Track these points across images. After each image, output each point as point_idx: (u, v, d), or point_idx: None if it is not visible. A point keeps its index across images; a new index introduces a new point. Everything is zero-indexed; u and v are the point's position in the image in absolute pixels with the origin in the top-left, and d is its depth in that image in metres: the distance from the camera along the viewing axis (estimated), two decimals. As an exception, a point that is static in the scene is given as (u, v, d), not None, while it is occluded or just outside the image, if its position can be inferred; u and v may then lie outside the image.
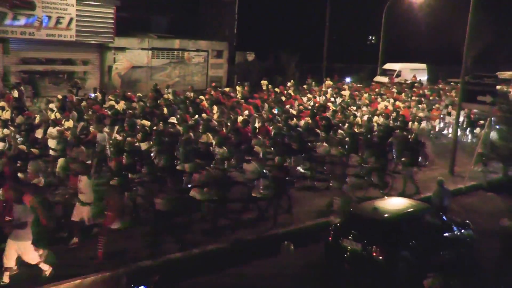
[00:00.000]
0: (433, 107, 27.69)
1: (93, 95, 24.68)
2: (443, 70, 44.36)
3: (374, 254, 10.74)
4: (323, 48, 43.97)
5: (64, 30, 28.90)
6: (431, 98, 30.70)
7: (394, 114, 23.41)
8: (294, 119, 21.03)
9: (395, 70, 43.07)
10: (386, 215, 11.50)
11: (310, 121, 20.29)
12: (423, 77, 44.64)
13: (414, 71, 44.06)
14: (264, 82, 33.99)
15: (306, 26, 47.95)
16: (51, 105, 20.25)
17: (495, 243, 13.56)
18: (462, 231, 12.49)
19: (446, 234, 12.03)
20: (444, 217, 12.36)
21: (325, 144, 17.11)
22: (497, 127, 19.83)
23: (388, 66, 43.79)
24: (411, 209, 12.01)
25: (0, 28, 26.91)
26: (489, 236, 13.84)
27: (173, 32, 38.52)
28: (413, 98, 29.97)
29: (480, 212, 16.09)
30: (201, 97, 25.29)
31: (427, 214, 12.11)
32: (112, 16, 30.65)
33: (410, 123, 21.70)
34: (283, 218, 13.71)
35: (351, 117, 22.33)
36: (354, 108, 25.76)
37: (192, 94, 26.27)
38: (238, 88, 30.56)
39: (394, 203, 12.39)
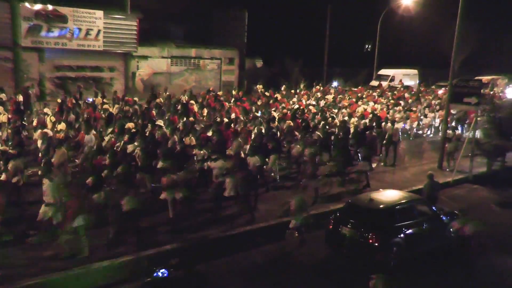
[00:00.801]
0: (412, 109, 27.02)
1: (90, 99, 24.07)
2: (433, 75, 44.08)
3: (370, 240, 10.73)
4: (324, 54, 43.88)
5: (93, 40, 29.04)
6: (410, 101, 29.89)
7: (370, 115, 22.79)
8: (277, 121, 20.26)
9: (389, 76, 42.88)
10: (381, 206, 11.49)
11: (291, 123, 19.54)
12: (415, 81, 44.44)
13: (406, 76, 43.88)
14: (259, 87, 33.22)
15: (308, 34, 47.86)
16: (46, 109, 19.70)
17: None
18: (450, 219, 12.45)
19: (435, 222, 11.96)
20: (433, 207, 12.31)
21: (298, 145, 16.51)
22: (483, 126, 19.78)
23: (382, 71, 43.59)
24: (404, 200, 11.95)
25: (36, 39, 27.09)
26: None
27: (190, 42, 38.62)
28: (391, 101, 29.17)
29: (466, 202, 16.02)
30: (192, 101, 24.39)
31: (418, 205, 12.08)
32: (135, 28, 30.75)
33: (383, 124, 20.80)
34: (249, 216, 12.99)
35: (329, 118, 21.36)
36: (335, 110, 25.07)
37: (185, 98, 25.37)
38: (233, 91, 29.94)
39: (388, 195, 12.33)
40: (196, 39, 39.14)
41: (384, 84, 40.66)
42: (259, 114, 21.92)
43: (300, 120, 20.25)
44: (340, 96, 30.74)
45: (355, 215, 11.40)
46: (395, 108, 26.61)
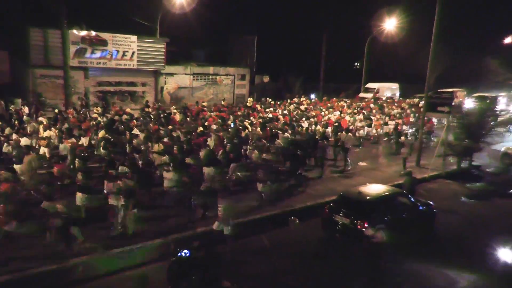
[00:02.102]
0: (370, 117, 25.19)
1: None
2: (411, 88, 43.83)
3: (359, 226, 10.68)
4: (320, 71, 43.79)
5: (128, 60, 29.20)
6: (374, 111, 27.84)
7: (336, 124, 21.64)
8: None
9: (374, 88, 42.71)
10: (368, 197, 11.43)
11: (260, 132, 18.11)
12: (396, 94, 44.25)
13: (389, 89, 43.68)
14: (250, 99, 32.16)
15: (308, 55, 47.72)
16: (40, 118, 18.79)
17: (450, 217, 13.54)
18: (426, 208, 12.38)
19: (413, 211, 11.89)
20: (412, 198, 12.23)
21: (255, 151, 14.80)
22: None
23: (369, 85, 43.40)
24: (387, 193, 11.87)
25: (82, 60, 27.30)
26: (446, 212, 13.76)
27: (208, 61, 38.77)
28: (354, 110, 27.62)
29: (440, 194, 15.91)
30: (174, 110, 23.47)
31: (399, 197, 12.01)
32: (163, 50, 30.86)
33: (339, 133, 19.17)
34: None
35: (296, 127, 19.75)
36: (304, 119, 22.95)
37: (173, 108, 24.24)
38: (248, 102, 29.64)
39: (374, 188, 12.23)
40: (214, 59, 39.30)
41: (371, 95, 40.56)
42: (232, 124, 19.62)
43: (268, 129, 18.45)
44: (310, 106, 29.08)
45: (346, 205, 11.32)
46: (355, 117, 25.31)
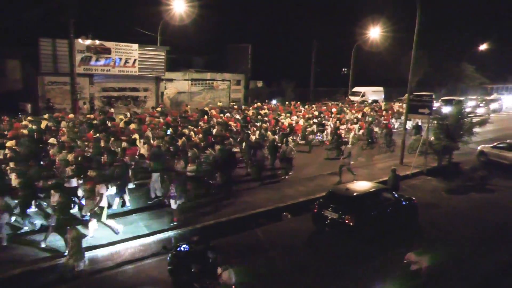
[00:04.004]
0: (323, 123, 23.63)
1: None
2: (394, 91, 44.06)
3: (346, 220, 10.67)
4: (310, 76, 43.84)
5: (131, 67, 29.11)
6: (333, 115, 25.94)
7: (288, 129, 20.28)
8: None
9: (360, 92, 42.86)
10: (354, 193, 11.42)
11: (197, 139, 16.22)
12: (381, 97, 44.41)
13: (374, 92, 43.83)
14: (232, 103, 31.38)
15: (299, 61, 47.82)
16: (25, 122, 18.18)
17: (431, 211, 13.58)
18: (408, 203, 12.41)
19: (397, 206, 11.91)
20: (396, 194, 12.25)
21: (181, 161, 12.94)
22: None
23: (356, 89, 43.56)
24: (373, 189, 11.84)
25: (87, 67, 27.20)
26: (428, 206, 13.81)
27: (206, 67, 38.75)
28: (310, 115, 25.56)
29: (422, 190, 15.97)
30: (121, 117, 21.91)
31: (384, 192, 12.01)
32: (164, 57, 30.79)
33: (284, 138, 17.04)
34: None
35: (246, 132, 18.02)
36: (258, 124, 20.84)
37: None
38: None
39: (360, 185, 12.23)
40: (211, 66, 39.28)
41: (358, 98, 40.71)
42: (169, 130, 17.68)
43: (211, 136, 16.57)
44: (265, 111, 26.12)
45: (334, 201, 11.29)
46: (309, 121, 23.46)
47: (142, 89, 31.12)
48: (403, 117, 28.80)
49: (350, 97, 41.72)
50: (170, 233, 10.72)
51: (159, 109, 24.90)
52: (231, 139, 16.90)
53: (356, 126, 24.55)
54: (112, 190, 11.84)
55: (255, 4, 46.78)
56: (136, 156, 13.45)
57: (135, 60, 29.10)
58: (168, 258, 8.21)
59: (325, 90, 46.01)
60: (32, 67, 26.44)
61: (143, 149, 14.63)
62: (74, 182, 11.42)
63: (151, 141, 15.51)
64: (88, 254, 9.29)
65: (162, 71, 30.96)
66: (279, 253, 10.30)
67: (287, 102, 32.74)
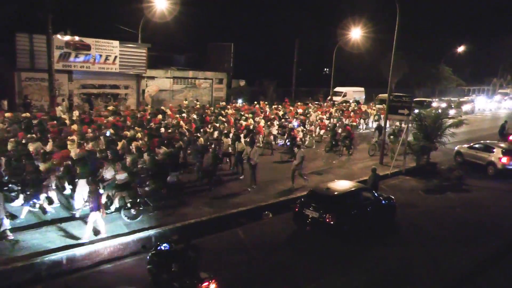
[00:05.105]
0: (284, 124, 22.51)
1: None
2: (375, 92, 44.64)
3: (327, 220, 10.75)
4: (292, 76, 44.06)
5: (111, 64, 28.63)
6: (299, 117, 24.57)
7: (245, 131, 19.21)
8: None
9: (342, 92, 43.29)
10: (335, 192, 11.49)
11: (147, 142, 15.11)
12: (362, 97, 44.97)
13: (355, 93, 44.33)
14: (195, 102, 29.76)
15: (281, 61, 47.94)
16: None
17: (409, 209, 13.82)
18: (388, 202, 12.59)
19: (377, 205, 12.07)
20: (375, 193, 12.42)
21: (110, 168, 11.85)
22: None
23: (337, 89, 43.98)
24: (353, 188, 11.93)
25: (66, 63, 26.61)
26: (407, 206, 14.04)
27: (188, 65, 38.47)
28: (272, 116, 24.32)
29: (400, 190, 16.23)
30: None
31: (364, 192, 12.13)
32: (145, 54, 30.40)
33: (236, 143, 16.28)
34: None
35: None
36: (217, 124, 20.11)
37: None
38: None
39: (341, 184, 12.30)
40: (193, 64, 39.01)
41: (339, 98, 41.13)
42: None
43: (157, 139, 15.17)
44: (228, 111, 25.25)
45: (315, 200, 11.34)
46: (268, 123, 21.91)
47: (122, 87, 30.68)
48: (371, 118, 29.60)
49: (332, 97, 42.07)
50: (150, 232, 10.62)
51: (111, 108, 23.61)
52: (180, 142, 15.62)
53: (316, 128, 23.79)
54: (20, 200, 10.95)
55: (237, 3, 46.73)
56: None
57: (115, 57, 28.63)
58: (147, 257, 8.12)
59: (306, 90, 46.28)
60: (7, 63, 25.72)
61: (73, 152, 13.03)
62: None
63: (88, 144, 14.19)
64: (66, 253, 9.21)
65: (143, 69, 30.58)
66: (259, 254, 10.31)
67: (261, 102, 31.75)
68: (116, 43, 28.57)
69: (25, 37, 25.06)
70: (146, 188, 12.07)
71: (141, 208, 11.30)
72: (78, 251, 9.43)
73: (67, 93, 27.42)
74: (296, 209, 11.55)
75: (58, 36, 25.40)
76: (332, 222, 10.67)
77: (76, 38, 26.53)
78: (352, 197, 11.56)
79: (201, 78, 36.29)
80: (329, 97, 41.82)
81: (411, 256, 10.59)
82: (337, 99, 40.88)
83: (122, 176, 11.48)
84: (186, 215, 11.81)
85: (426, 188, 16.56)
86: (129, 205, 11.28)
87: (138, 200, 11.31)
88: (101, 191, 10.64)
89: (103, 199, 10.75)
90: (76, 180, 11.51)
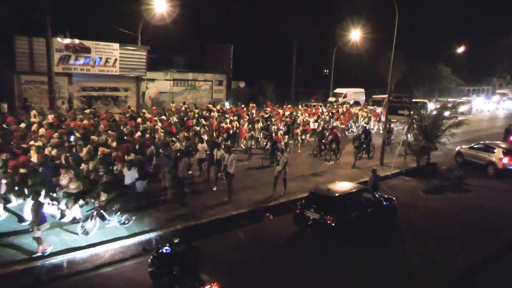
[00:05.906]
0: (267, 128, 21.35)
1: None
2: (374, 93, 44.60)
3: (328, 221, 10.75)
4: (292, 77, 44.02)
5: (111, 67, 28.62)
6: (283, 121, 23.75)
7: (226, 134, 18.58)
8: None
9: (342, 93, 43.26)
10: (336, 194, 11.46)
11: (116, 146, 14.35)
12: (362, 98, 44.92)
13: (355, 94, 44.27)
14: (209, 106, 28.81)
15: (280, 62, 47.97)
16: None
17: (410, 210, 13.81)
18: (389, 203, 12.58)
19: (378, 206, 12.06)
20: (376, 194, 12.41)
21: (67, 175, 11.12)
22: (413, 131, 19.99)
23: (337, 90, 43.92)
24: (354, 189, 11.89)
25: (66, 66, 26.60)
26: (407, 206, 14.03)
27: (188, 67, 38.45)
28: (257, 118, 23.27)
29: (400, 190, 16.21)
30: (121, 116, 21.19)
31: (365, 193, 12.12)
32: (145, 57, 30.38)
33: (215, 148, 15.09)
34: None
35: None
36: (198, 128, 19.71)
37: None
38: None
39: (342, 185, 12.29)
40: (193, 66, 39.02)
41: (340, 100, 41.09)
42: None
43: (125, 145, 14.21)
44: (213, 114, 24.44)
45: (316, 201, 11.34)
46: (250, 126, 21.02)
47: (122, 89, 30.66)
48: (360, 121, 29.01)
49: (331, 98, 42.05)
50: (151, 235, 10.61)
51: (88, 111, 22.19)
52: (152, 147, 14.56)
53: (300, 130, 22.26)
54: None
55: (236, 4, 46.73)
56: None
57: (115, 59, 28.63)
58: (149, 260, 8.11)
59: (305, 91, 46.29)
60: (7, 65, 25.72)
61: (34, 159, 12.22)
62: None
63: (50, 150, 13.29)
64: (66, 256, 9.16)
65: (143, 71, 30.56)
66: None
67: (250, 104, 30.85)
68: (116, 45, 28.57)
69: (25, 40, 25.07)
70: (102, 198, 10.94)
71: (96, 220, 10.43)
72: (78, 255, 9.41)
73: (67, 95, 27.42)
74: (297, 211, 11.54)
75: (58, 39, 25.39)
76: (333, 224, 10.66)
77: (76, 41, 26.49)
78: (353, 199, 11.54)
79: (201, 80, 36.29)
80: (330, 99, 41.84)
81: (411, 256, 10.58)
82: (332, 100, 40.88)
83: (74, 185, 10.80)
84: (185, 217, 11.80)
85: (427, 188, 16.56)
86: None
87: (95, 212, 10.46)
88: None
89: (62, 206, 10.47)
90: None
